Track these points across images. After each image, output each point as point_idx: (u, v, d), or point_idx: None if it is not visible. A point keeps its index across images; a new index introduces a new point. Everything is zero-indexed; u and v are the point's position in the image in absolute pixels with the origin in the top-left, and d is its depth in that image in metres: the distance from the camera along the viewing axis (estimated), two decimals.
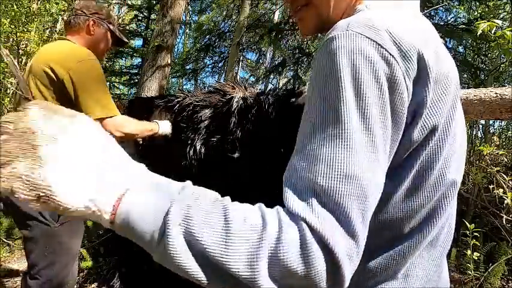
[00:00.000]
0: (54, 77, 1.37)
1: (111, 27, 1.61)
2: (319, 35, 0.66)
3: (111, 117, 1.40)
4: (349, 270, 0.39)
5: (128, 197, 0.39)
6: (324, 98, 0.43)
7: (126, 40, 1.75)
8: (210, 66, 8.42)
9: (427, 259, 0.55)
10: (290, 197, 0.40)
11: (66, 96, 1.38)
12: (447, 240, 0.59)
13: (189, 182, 0.46)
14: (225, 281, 0.37)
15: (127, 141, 1.77)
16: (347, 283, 0.39)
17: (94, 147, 0.41)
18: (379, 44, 0.43)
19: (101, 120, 1.37)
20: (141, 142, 1.71)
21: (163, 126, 1.59)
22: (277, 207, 0.41)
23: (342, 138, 0.40)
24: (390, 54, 0.43)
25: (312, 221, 0.37)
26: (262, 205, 0.42)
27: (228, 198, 0.44)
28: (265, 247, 0.37)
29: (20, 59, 3.91)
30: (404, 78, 0.44)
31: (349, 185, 0.39)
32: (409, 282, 0.54)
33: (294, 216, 0.39)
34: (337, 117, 0.41)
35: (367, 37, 0.43)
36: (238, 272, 0.36)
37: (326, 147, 0.40)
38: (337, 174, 0.39)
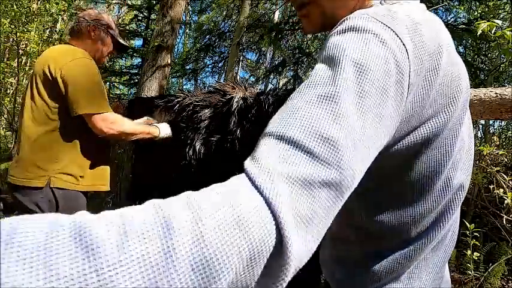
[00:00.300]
0: (49, 75, 1.42)
1: (112, 32, 1.67)
2: (319, 35, 0.65)
3: (101, 113, 1.41)
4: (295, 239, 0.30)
5: None
6: (325, 59, 0.40)
7: (127, 45, 1.81)
8: (210, 66, 8.43)
9: (431, 262, 0.55)
10: (253, 154, 0.35)
11: (58, 94, 1.42)
12: (451, 244, 0.59)
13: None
14: None
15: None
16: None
17: None
18: (394, 32, 0.41)
19: (89, 116, 1.40)
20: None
21: (164, 130, 1.59)
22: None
23: (329, 102, 0.35)
24: (404, 45, 0.41)
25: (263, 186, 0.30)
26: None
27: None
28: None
29: (20, 59, 3.91)
30: (410, 74, 0.41)
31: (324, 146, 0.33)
32: (412, 284, 0.54)
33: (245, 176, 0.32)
34: (333, 79, 0.36)
35: (384, 23, 0.41)
36: None
37: (312, 104, 0.35)
38: (313, 133, 0.33)
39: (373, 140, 0.37)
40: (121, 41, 1.72)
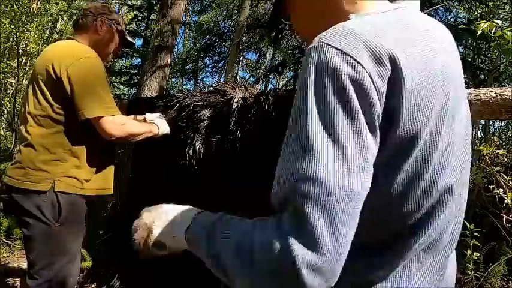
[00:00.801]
0: (53, 75, 1.36)
1: (119, 27, 1.61)
2: None
3: (110, 116, 1.37)
4: (311, 280, 0.40)
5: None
6: (296, 105, 0.47)
7: (133, 41, 1.76)
8: (210, 66, 8.43)
9: (424, 263, 0.55)
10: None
11: (63, 95, 1.37)
12: (450, 246, 0.58)
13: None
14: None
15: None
16: None
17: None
18: (344, 52, 0.45)
19: (97, 119, 1.35)
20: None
21: (163, 127, 1.57)
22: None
23: (303, 145, 0.43)
24: (356, 61, 0.45)
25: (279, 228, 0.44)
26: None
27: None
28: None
29: (20, 59, 3.91)
30: (373, 82, 0.45)
31: (311, 187, 0.41)
32: (401, 284, 0.53)
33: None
34: (302, 126, 0.44)
35: (333, 47, 0.46)
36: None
37: (291, 152, 0.45)
38: (296, 178, 0.43)
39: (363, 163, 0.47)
40: (128, 38, 1.67)
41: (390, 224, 0.52)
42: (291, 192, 0.43)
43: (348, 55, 0.45)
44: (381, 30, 0.49)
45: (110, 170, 1.59)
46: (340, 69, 0.44)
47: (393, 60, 0.46)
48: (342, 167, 0.42)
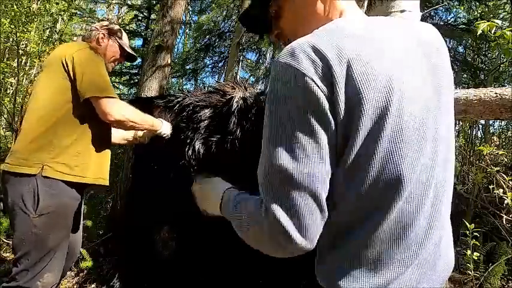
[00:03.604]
0: (64, 65, 1.48)
1: (120, 41, 1.77)
2: None
3: (108, 97, 1.44)
4: (295, 235, 0.56)
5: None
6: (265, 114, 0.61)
7: (134, 54, 1.89)
8: (210, 66, 8.42)
9: (391, 255, 0.58)
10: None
11: (69, 80, 1.47)
12: (425, 241, 0.60)
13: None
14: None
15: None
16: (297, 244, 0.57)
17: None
18: (293, 67, 0.57)
19: (96, 99, 1.43)
20: (146, 142, 1.70)
21: (165, 127, 1.59)
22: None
23: (267, 148, 0.59)
24: (302, 72, 0.56)
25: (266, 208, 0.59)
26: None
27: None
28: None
29: (20, 59, 3.91)
30: (318, 86, 0.55)
31: (274, 176, 0.58)
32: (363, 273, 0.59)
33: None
34: (268, 132, 0.59)
35: (285, 63, 0.58)
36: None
37: (262, 153, 0.61)
38: (264, 172, 0.60)
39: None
40: (128, 50, 1.81)
41: (348, 213, 0.60)
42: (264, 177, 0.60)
43: (295, 68, 0.56)
44: (331, 38, 0.58)
45: (105, 159, 1.60)
46: (289, 81, 0.57)
47: (330, 64, 0.55)
48: (304, 161, 0.55)
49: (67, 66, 1.46)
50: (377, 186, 0.56)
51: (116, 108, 1.45)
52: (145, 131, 1.59)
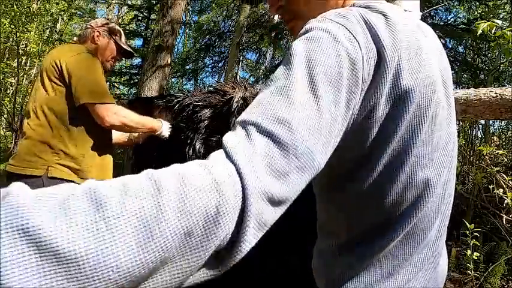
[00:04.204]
0: (58, 69, 1.48)
1: (115, 38, 1.75)
2: None
3: (103, 103, 1.44)
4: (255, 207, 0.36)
5: None
6: (284, 60, 0.47)
7: (131, 50, 1.87)
8: (210, 66, 8.43)
9: (410, 258, 0.56)
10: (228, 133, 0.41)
11: (64, 86, 1.47)
12: (437, 243, 0.59)
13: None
14: None
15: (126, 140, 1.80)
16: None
17: None
18: (345, 27, 0.46)
19: (92, 105, 1.43)
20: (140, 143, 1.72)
21: (165, 128, 1.60)
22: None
23: (284, 91, 0.41)
24: (355, 38, 0.45)
25: (234, 157, 0.36)
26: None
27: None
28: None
29: (20, 59, 3.91)
30: (363, 64, 0.45)
31: (278, 128, 0.38)
32: (387, 277, 0.55)
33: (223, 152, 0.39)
34: (287, 74, 0.43)
35: (336, 22, 0.47)
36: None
37: (270, 95, 0.42)
38: (270, 117, 0.39)
39: (329, 123, 0.42)
40: (124, 46, 1.79)
41: (372, 215, 0.54)
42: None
43: (349, 31, 0.46)
44: (382, 19, 0.50)
45: (108, 162, 1.61)
46: (339, 39, 0.45)
47: (383, 52, 0.47)
48: (317, 123, 0.41)
49: (62, 72, 1.46)
50: (405, 191, 0.53)
51: (111, 113, 1.45)
52: (147, 131, 1.60)
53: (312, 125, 0.40)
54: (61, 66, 1.46)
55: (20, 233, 0.25)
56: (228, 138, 0.39)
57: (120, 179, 0.33)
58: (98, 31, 1.70)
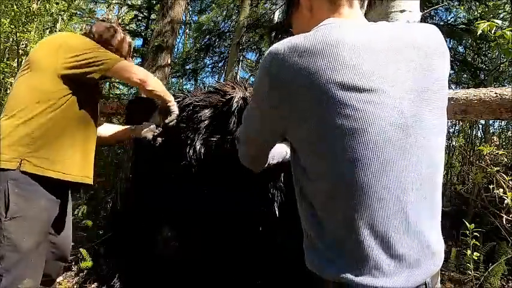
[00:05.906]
0: (51, 56, 1.42)
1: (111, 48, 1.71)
2: None
3: (119, 63, 1.44)
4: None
5: None
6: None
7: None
8: (210, 66, 8.43)
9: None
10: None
11: (60, 71, 1.40)
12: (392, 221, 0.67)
13: None
14: None
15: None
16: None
17: None
18: (266, 67, 0.74)
19: (120, 64, 1.44)
20: (157, 132, 1.65)
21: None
22: None
23: (246, 116, 0.90)
24: (269, 71, 0.73)
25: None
26: None
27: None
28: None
29: (20, 59, 3.91)
30: (271, 89, 0.73)
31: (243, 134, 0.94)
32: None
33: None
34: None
35: (265, 62, 0.75)
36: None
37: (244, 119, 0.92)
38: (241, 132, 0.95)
39: (257, 128, 0.86)
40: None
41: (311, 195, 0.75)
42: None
43: (267, 68, 0.74)
44: (295, 44, 0.71)
45: (91, 157, 1.52)
46: (263, 77, 0.75)
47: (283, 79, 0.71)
48: (256, 131, 0.87)
49: (59, 54, 1.39)
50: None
51: (136, 69, 1.49)
52: (141, 125, 1.59)
53: (246, 131, 0.94)
54: (57, 52, 1.43)
55: None
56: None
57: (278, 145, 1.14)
58: (96, 38, 1.60)
